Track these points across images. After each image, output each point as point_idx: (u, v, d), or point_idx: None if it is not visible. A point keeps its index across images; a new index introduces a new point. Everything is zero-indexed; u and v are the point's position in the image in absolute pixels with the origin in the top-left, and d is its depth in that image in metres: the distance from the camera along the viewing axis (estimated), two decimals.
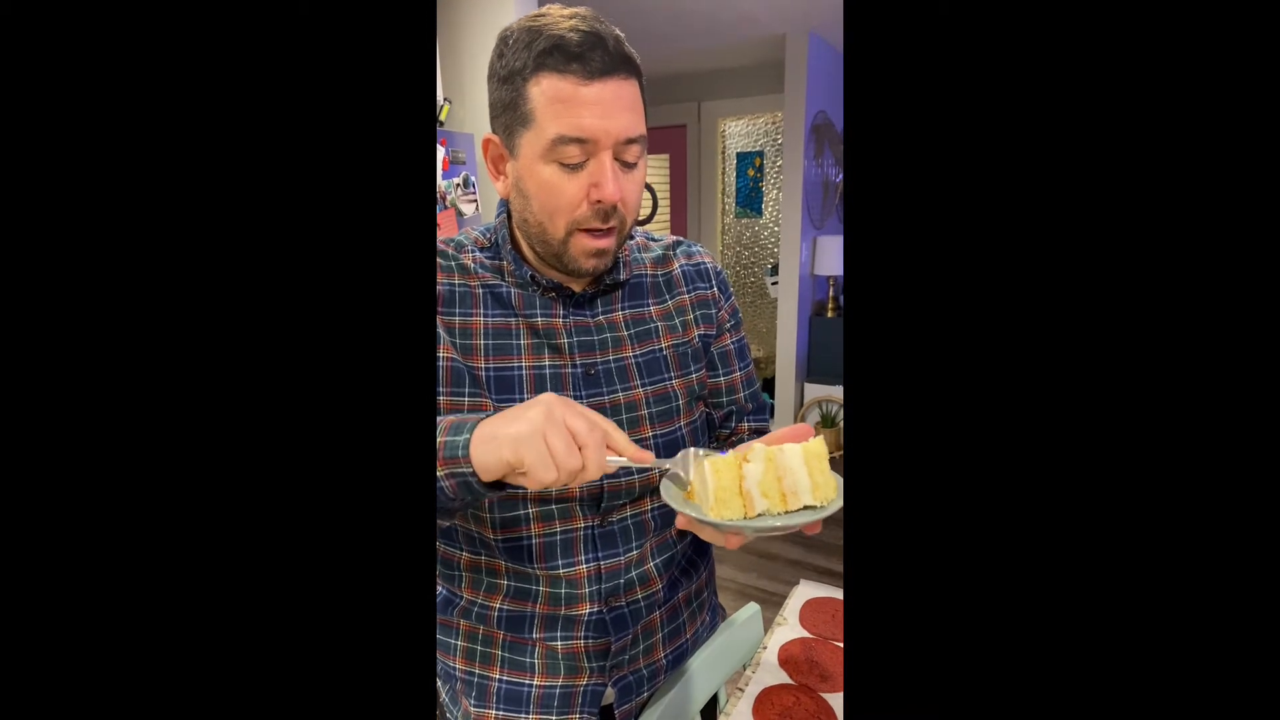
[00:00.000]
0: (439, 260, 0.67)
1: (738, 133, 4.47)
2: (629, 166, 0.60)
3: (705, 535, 0.54)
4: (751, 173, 4.46)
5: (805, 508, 0.49)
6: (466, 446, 0.51)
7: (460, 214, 1.89)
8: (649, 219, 4.65)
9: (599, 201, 0.58)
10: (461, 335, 0.65)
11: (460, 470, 0.51)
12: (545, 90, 0.56)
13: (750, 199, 4.51)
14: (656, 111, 4.37)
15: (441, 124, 1.93)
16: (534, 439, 0.48)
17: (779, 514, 0.48)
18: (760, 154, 4.42)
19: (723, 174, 4.52)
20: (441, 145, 1.84)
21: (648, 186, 4.60)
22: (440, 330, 0.64)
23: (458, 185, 1.89)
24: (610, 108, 0.56)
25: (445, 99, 1.95)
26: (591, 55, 0.55)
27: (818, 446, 0.49)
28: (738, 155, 4.49)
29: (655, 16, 2.91)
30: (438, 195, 1.84)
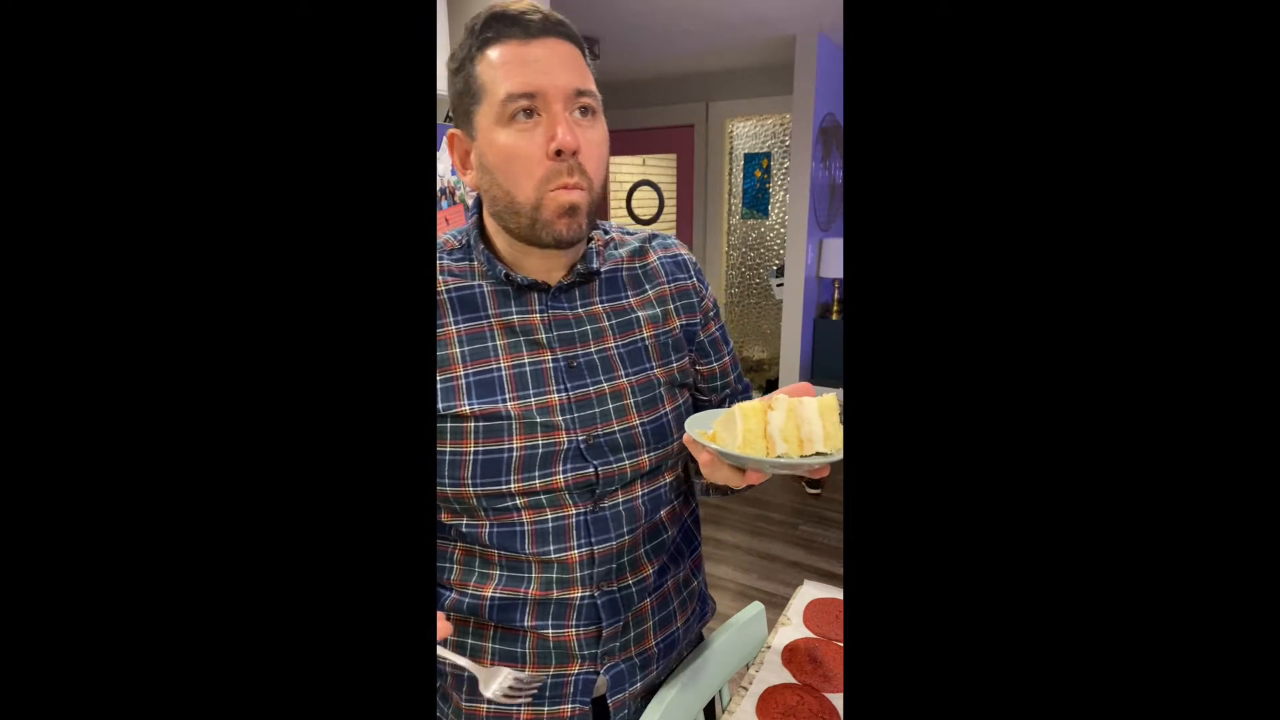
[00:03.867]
0: None
1: (745, 133, 4.47)
2: (584, 119, 0.61)
3: (721, 475, 0.59)
4: (758, 174, 4.46)
5: (818, 454, 0.56)
6: None
7: (469, 208, 1.90)
8: (655, 218, 4.65)
9: (559, 152, 0.59)
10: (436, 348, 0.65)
11: None
12: (490, 59, 0.60)
13: (757, 200, 4.51)
14: (664, 111, 4.37)
15: (451, 119, 1.94)
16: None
17: (796, 457, 0.55)
18: (767, 155, 4.42)
19: (729, 174, 4.51)
20: None
21: (653, 185, 4.60)
22: None
23: None
24: (552, 63, 0.59)
25: None
26: (530, 18, 0.59)
27: (831, 400, 0.56)
28: (745, 156, 4.49)
29: (664, 16, 2.92)
30: (447, 190, 1.84)
